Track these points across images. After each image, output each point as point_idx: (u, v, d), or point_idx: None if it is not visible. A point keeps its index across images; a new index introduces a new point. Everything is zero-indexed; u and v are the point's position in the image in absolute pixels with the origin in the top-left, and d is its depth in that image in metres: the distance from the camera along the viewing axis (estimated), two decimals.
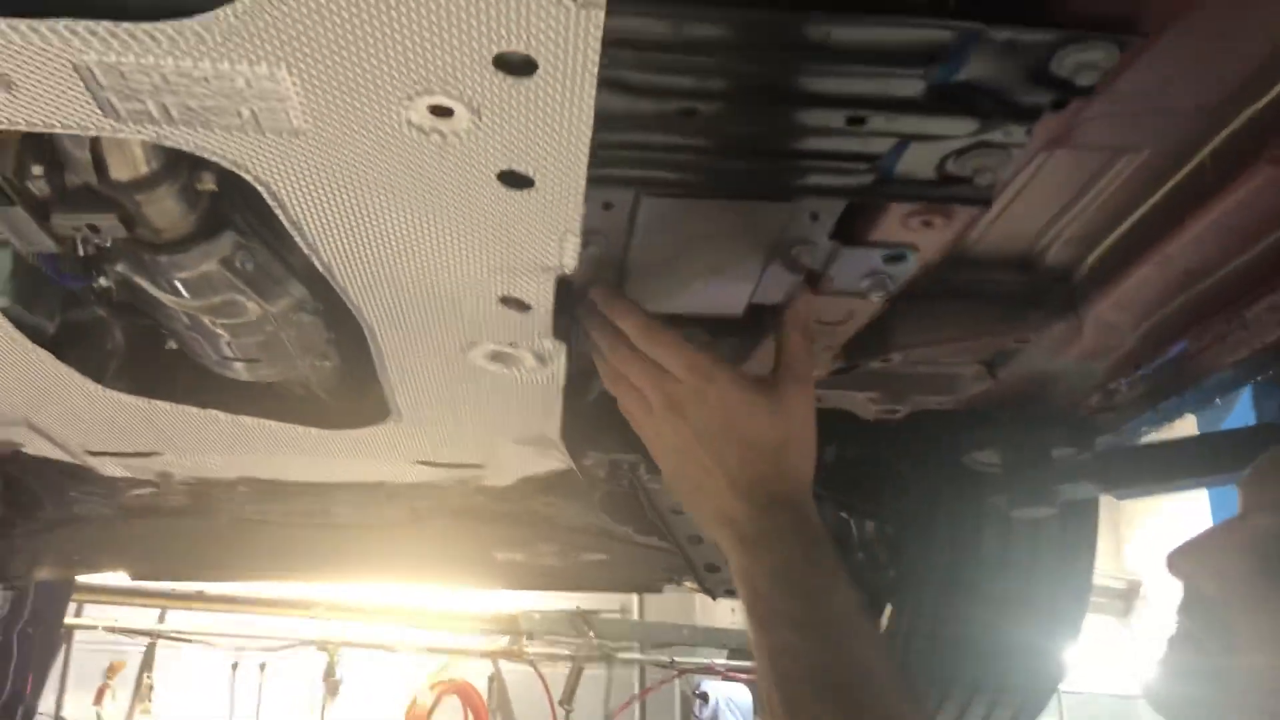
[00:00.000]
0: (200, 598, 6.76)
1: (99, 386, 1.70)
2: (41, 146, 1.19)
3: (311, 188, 1.13)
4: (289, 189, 1.13)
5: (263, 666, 7.44)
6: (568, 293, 1.37)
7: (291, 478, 2.32)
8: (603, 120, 1.04)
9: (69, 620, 6.20)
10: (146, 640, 7.15)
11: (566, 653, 7.94)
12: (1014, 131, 1.09)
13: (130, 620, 6.97)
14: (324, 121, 1.02)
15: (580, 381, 1.91)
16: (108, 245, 1.35)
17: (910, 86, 1.02)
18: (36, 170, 1.18)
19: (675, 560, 2.88)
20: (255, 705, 7.42)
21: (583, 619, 7.89)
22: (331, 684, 7.61)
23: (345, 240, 1.23)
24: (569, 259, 1.24)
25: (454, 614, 7.62)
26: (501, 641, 7.87)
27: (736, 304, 1.51)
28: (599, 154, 1.10)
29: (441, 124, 1.02)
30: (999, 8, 0.95)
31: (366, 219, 1.18)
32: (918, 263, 1.39)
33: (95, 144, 1.16)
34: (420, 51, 0.92)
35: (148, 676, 7.13)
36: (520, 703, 8.05)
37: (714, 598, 2.88)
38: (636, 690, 8.31)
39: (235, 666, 7.37)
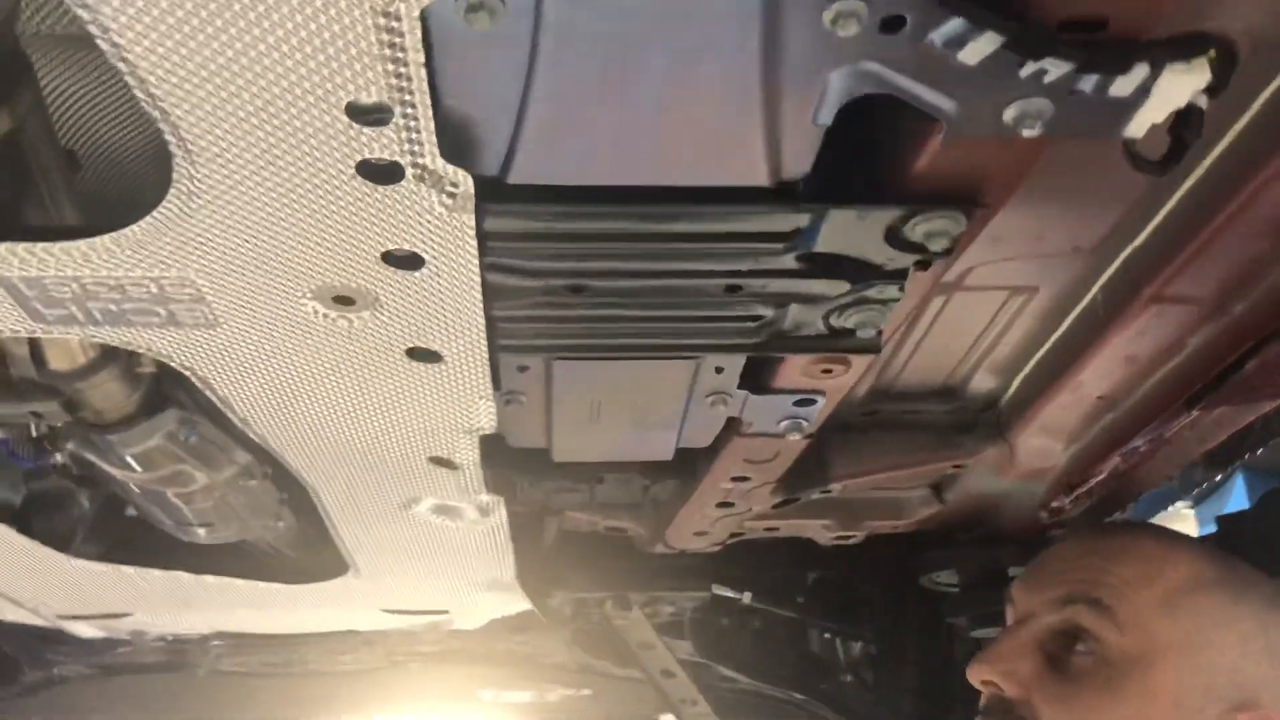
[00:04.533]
0: None
1: (64, 555, 1.76)
2: None
3: (235, 372, 1.20)
4: (214, 373, 1.21)
5: None
6: (495, 448, 1.44)
7: (264, 630, 2.36)
8: (499, 297, 1.12)
9: None
10: None
11: None
12: (887, 289, 1.16)
13: None
14: (238, 315, 1.10)
15: (533, 527, 1.96)
16: (58, 425, 1.43)
17: (778, 260, 1.09)
18: None
19: None
20: None
21: None
22: None
23: (274, 415, 1.30)
24: (486, 421, 1.31)
25: None
26: None
27: (665, 450, 1.57)
28: (503, 327, 1.18)
29: (347, 311, 1.10)
30: (848, 189, 1.03)
31: (291, 395, 1.26)
32: (828, 405, 1.45)
33: (33, 340, 1.24)
34: (316, 255, 1.00)
35: None
36: None
37: None
38: None
39: None
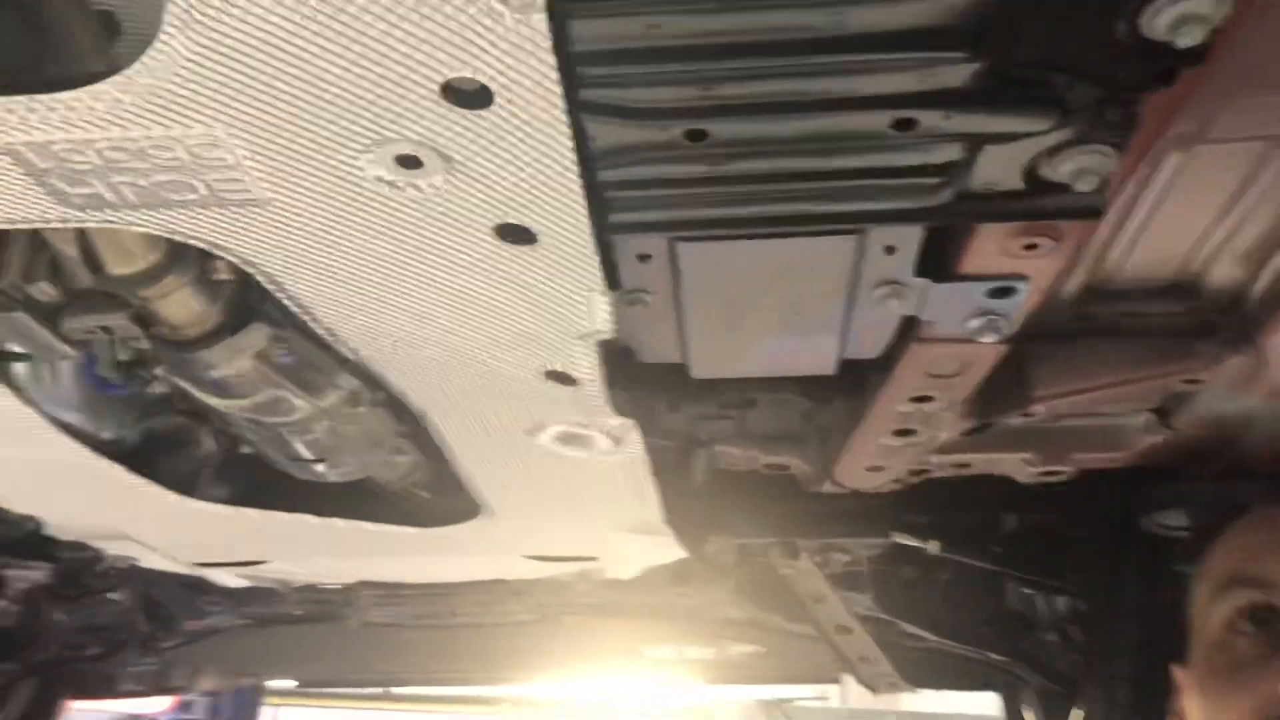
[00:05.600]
0: (387, 697, 6.83)
1: (179, 496, 1.65)
2: (50, 253, 1.14)
3: (300, 263, 1.02)
4: (278, 266, 1.03)
5: None
6: (623, 363, 1.22)
7: (408, 579, 2.23)
8: (599, 155, 0.89)
9: None
10: None
11: None
12: (1112, 118, 0.87)
13: None
14: (286, 187, 0.90)
15: (681, 463, 1.74)
16: (146, 348, 1.29)
17: (960, 73, 0.82)
18: (43, 276, 1.13)
19: None
20: None
21: (777, 708, 7.52)
22: None
23: (356, 317, 1.12)
24: (601, 321, 1.09)
25: (644, 709, 7.42)
26: None
27: (825, 360, 1.31)
28: (608, 197, 0.95)
29: (415, 177, 0.89)
30: None
31: (370, 290, 1.07)
32: (1032, 295, 1.16)
33: (84, 240, 1.09)
34: (360, 91, 0.79)
35: None
36: None
37: (875, 692, 2.60)
38: None
39: None
